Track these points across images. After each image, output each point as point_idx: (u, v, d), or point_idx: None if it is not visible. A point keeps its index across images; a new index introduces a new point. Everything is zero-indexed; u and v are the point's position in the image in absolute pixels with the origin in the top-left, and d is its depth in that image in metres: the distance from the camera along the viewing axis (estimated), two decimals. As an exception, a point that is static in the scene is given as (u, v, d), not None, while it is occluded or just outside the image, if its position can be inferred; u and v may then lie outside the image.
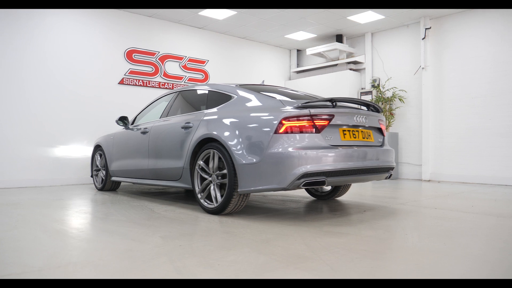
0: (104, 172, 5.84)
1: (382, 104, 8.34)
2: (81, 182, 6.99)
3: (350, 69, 9.13)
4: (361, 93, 9.00)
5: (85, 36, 7.17)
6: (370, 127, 3.84)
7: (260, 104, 3.68)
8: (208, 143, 3.80)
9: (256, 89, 4.05)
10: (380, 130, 4.01)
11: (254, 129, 3.42)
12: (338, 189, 4.66)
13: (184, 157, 4.07)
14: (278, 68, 10.32)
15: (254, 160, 3.34)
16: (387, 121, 8.28)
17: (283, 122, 3.26)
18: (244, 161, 3.41)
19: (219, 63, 9.07)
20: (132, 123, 5.43)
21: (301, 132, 3.28)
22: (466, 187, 6.46)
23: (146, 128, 4.88)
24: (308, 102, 3.41)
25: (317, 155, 3.23)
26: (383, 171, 3.88)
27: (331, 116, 3.42)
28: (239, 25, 8.53)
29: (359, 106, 4.08)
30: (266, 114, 3.41)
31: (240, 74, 9.44)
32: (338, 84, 9.09)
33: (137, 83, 7.75)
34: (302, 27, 8.64)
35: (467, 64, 7.40)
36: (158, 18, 8.01)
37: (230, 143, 3.54)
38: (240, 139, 3.50)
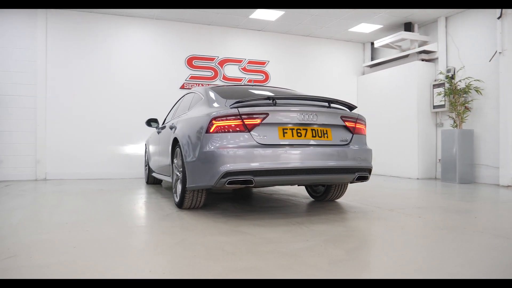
0: (147, 168, 6.64)
1: (453, 97, 7.32)
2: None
3: (422, 60, 8.22)
4: (433, 85, 8.02)
5: (149, 46, 8.18)
6: (327, 125, 3.61)
7: (217, 105, 3.81)
8: (177, 142, 4.12)
9: (226, 90, 4.18)
10: (346, 128, 3.73)
11: (195, 129, 3.60)
12: (329, 191, 4.43)
13: (169, 155, 4.47)
14: (349, 63, 9.89)
15: (194, 159, 3.53)
16: (460, 116, 7.23)
17: (213, 122, 3.37)
18: (187, 159, 3.64)
19: (280, 63, 9.19)
20: (163, 123, 6.06)
21: (230, 131, 3.33)
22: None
23: (159, 129, 5.45)
24: (239, 101, 3.44)
25: (241, 154, 3.25)
26: (344, 172, 3.61)
27: (264, 114, 3.37)
28: (295, 24, 8.52)
29: (325, 103, 3.84)
30: (205, 114, 3.55)
31: (305, 72, 9.40)
32: (407, 78, 8.27)
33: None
34: (363, 19, 8.16)
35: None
36: (216, 25, 8.58)
37: (182, 142, 3.81)
38: (188, 139, 3.72)
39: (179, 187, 4.01)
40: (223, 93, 4.03)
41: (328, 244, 2.64)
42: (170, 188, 6.08)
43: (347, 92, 9.79)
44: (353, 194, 5.24)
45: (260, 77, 9.00)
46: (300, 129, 3.49)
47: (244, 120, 3.34)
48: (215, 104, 3.78)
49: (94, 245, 2.61)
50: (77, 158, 7.63)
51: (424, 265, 2.22)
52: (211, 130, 3.37)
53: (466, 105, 7.32)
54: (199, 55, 8.52)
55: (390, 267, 2.18)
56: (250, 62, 8.93)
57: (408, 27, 8.33)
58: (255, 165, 3.26)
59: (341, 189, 4.41)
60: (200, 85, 8.43)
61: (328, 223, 3.31)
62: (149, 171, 6.49)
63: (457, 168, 7.03)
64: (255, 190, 5.77)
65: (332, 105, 3.77)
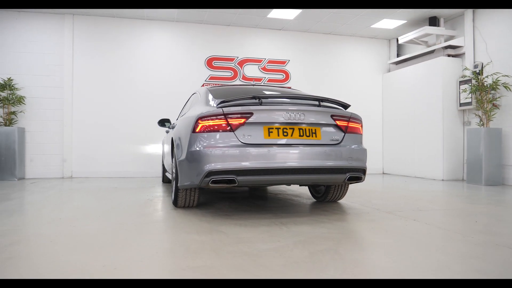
0: (162, 167, 6.82)
1: (480, 94, 6.91)
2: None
3: (448, 55, 7.82)
4: (460, 82, 7.61)
5: (170, 48, 8.39)
6: (316, 124, 3.54)
7: (209, 105, 3.84)
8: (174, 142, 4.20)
9: (222, 90, 4.21)
10: (338, 127, 3.63)
11: (185, 129, 3.65)
12: (329, 192, 4.33)
13: (171, 155, 4.56)
14: (374, 60, 9.60)
15: (183, 158, 3.59)
16: (487, 114, 6.81)
17: (199, 121, 3.40)
18: (178, 158, 3.71)
19: (301, 61, 9.10)
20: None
21: (214, 131, 3.35)
22: None
23: (169, 129, 5.58)
24: (224, 101, 3.45)
25: (224, 153, 3.26)
26: (334, 173, 3.52)
27: (249, 114, 3.36)
28: (314, 22, 8.40)
29: (316, 102, 3.76)
30: (194, 114, 3.59)
31: (327, 70, 9.24)
32: (432, 74, 7.91)
33: (216, 88, 8.56)
34: (385, 14, 7.91)
35: None
36: (235, 25, 8.64)
37: (176, 142, 3.89)
38: (179, 138, 3.79)
39: (173, 187, 4.09)
40: (218, 93, 4.06)
41: (297, 245, 2.59)
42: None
43: (371, 90, 9.52)
44: (360, 195, 5.10)
45: (280, 76, 8.96)
46: (286, 129, 3.44)
47: (229, 120, 3.35)
48: (208, 104, 3.82)
49: (68, 240, 2.72)
50: (101, 157, 7.97)
51: (379, 270, 2.12)
52: (197, 130, 3.40)
53: (494, 102, 6.88)
54: (219, 56, 8.62)
55: (343, 270, 2.10)
56: (270, 61, 8.91)
57: (433, 21, 7.96)
58: (238, 164, 3.26)
59: (341, 190, 4.30)
60: (219, 85, 8.52)
61: (312, 224, 3.25)
62: (163, 170, 6.66)
63: (483, 169, 6.63)
64: (270, 190, 5.76)
65: (324, 103, 3.69)
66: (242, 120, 3.35)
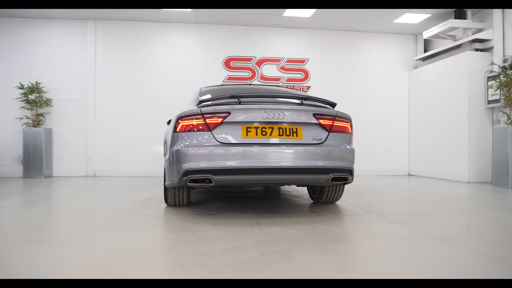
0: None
1: (507, 90, 6.42)
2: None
3: (476, 49, 7.34)
4: (488, 77, 7.12)
5: (188, 50, 8.53)
6: (297, 123, 3.44)
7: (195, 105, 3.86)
8: (167, 141, 4.26)
9: (212, 90, 4.22)
10: (321, 126, 3.51)
11: (170, 128, 3.70)
12: (323, 193, 4.21)
13: (167, 154, 4.64)
14: (399, 57, 9.20)
15: (166, 158, 3.64)
16: (514, 111, 6.32)
17: (179, 121, 3.43)
18: (164, 157, 3.76)
19: (321, 60, 8.92)
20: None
21: (193, 130, 3.37)
22: None
23: None
24: (202, 101, 3.45)
25: (200, 153, 3.26)
26: (316, 173, 3.41)
27: (226, 113, 3.34)
28: (332, 19, 8.21)
29: (298, 100, 3.65)
30: (177, 114, 3.62)
31: (348, 68, 9.00)
32: (457, 70, 7.46)
33: (234, 88, 8.60)
34: (405, 9, 7.56)
35: None
36: (252, 25, 8.63)
37: (164, 141, 3.94)
38: (165, 138, 3.85)
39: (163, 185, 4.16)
40: (206, 93, 4.08)
41: (255, 246, 2.54)
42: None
43: (396, 88, 9.15)
44: (363, 197, 4.92)
45: (299, 75, 8.84)
46: (265, 128, 3.38)
47: (206, 119, 3.35)
48: (195, 104, 3.84)
49: (43, 234, 2.84)
50: (123, 157, 8.26)
51: (320, 273, 2.03)
52: (177, 130, 3.44)
53: (523, 99, 6.37)
54: (237, 56, 8.64)
55: (281, 272, 2.02)
56: (288, 61, 8.81)
57: (460, 14, 7.50)
58: (214, 164, 3.25)
59: (334, 191, 4.16)
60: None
61: (288, 225, 3.17)
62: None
63: (510, 171, 6.16)
64: (283, 190, 5.71)
65: (307, 102, 3.59)
66: (220, 120, 3.34)
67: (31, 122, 7.78)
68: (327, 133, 3.52)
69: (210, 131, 3.33)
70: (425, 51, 9.03)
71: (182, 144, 3.36)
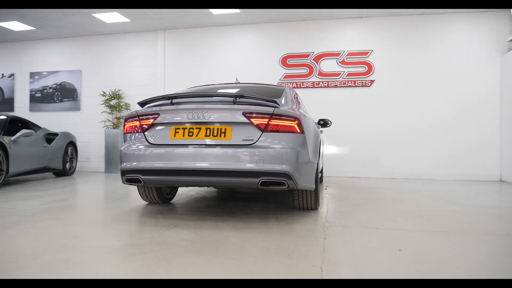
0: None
1: None
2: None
3: None
4: None
5: (246, 50, 8.70)
6: (227, 123, 3.30)
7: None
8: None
9: (184, 91, 4.44)
10: (254, 126, 3.26)
11: None
12: (294, 198, 3.95)
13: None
14: (487, 39, 7.80)
15: None
16: None
17: (125, 123, 3.72)
18: None
19: (387, 50, 8.15)
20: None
21: (132, 132, 3.60)
22: None
23: None
24: (140, 103, 3.62)
25: (132, 153, 3.46)
26: (243, 176, 3.19)
27: (155, 115, 3.46)
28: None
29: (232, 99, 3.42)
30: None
31: (420, 57, 8.03)
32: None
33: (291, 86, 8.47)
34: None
35: None
36: (310, 19, 8.35)
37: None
38: None
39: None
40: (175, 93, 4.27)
41: (153, 245, 2.58)
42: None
43: (484, 76, 7.79)
44: (365, 205, 4.42)
45: (361, 69, 8.22)
46: (193, 128, 3.35)
47: (141, 121, 3.52)
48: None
49: (19, 227, 3.35)
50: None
51: (187, 274, 1.98)
52: (124, 131, 3.72)
53: None
54: (294, 53, 8.48)
55: (143, 270, 2.04)
56: (349, 53, 8.27)
57: (553, -19, 6.04)
58: (142, 164, 3.39)
59: (304, 197, 3.87)
60: (294, 83, 8.40)
61: (232, 231, 3.09)
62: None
63: None
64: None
65: (241, 100, 3.38)
66: (151, 121, 3.48)
67: (112, 125, 8.94)
68: (261, 133, 3.27)
69: (143, 132, 3.51)
70: (521, 29, 7.50)
71: (124, 145, 3.63)
